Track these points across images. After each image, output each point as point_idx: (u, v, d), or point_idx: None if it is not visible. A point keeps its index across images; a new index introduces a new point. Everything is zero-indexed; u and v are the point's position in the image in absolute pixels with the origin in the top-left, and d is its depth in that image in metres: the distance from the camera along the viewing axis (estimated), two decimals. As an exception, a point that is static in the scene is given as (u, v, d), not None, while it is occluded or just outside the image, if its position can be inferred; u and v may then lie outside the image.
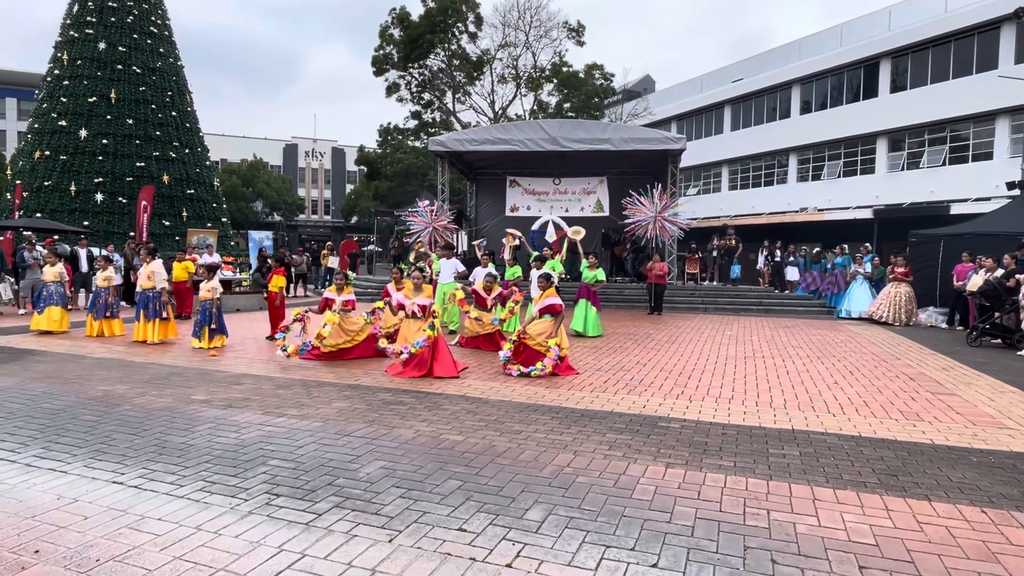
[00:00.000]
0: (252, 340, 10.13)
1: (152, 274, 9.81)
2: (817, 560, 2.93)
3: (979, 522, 3.40)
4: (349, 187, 59.67)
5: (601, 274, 11.62)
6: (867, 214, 25.54)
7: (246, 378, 7.03)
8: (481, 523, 3.27)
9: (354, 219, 55.10)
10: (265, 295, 10.67)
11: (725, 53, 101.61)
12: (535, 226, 19.64)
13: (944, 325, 13.67)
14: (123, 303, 15.51)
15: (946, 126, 24.66)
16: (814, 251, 19.74)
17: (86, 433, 4.79)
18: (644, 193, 16.30)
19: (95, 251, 15.68)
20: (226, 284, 15.72)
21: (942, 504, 3.64)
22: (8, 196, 21.03)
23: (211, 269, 10.00)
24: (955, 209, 22.00)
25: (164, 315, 9.77)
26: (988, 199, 21.48)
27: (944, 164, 24.70)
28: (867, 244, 18.62)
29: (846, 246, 18.16)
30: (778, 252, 19.56)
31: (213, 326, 9.18)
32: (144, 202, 18.40)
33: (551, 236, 18.71)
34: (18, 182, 19.70)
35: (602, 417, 5.51)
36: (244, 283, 17.74)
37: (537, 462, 4.26)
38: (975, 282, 11.90)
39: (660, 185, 16.84)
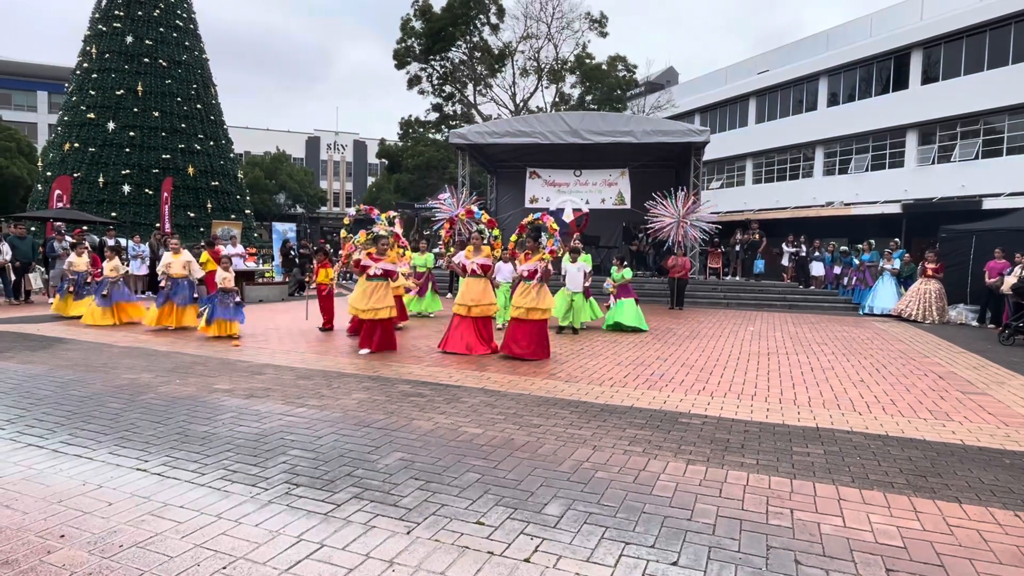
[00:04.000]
0: (274, 331, 10.23)
1: (188, 263, 10.30)
2: (842, 562, 2.87)
3: (1012, 526, 3.29)
4: (371, 180, 60.02)
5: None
6: (895, 209, 24.98)
7: (268, 368, 7.11)
8: (499, 517, 3.26)
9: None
10: (314, 287, 10.91)
11: (751, 48, 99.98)
12: (552, 207, 19.53)
13: (975, 323, 13.33)
14: (149, 292, 15.87)
15: (980, 118, 23.97)
16: (841, 248, 19.39)
17: (111, 420, 4.88)
18: (668, 195, 16.15)
19: (122, 241, 15.98)
20: (249, 275, 15.95)
21: (973, 507, 3.53)
22: (40, 188, 21.49)
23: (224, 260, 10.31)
24: (988, 204, 21.39)
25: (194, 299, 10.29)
26: (1023, 194, 20.86)
27: (977, 157, 24.03)
28: (896, 239, 18.18)
29: (873, 241, 17.79)
30: (803, 247, 19.23)
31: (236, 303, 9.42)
32: (165, 193, 18.67)
33: (568, 217, 18.59)
34: (60, 175, 19.96)
35: (622, 412, 5.46)
36: (267, 274, 17.97)
37: (556, 456, 4.23)
38: (1007, 281, 11.57)
39: (684, 188, 16.68)
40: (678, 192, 16.21)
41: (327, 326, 10.39)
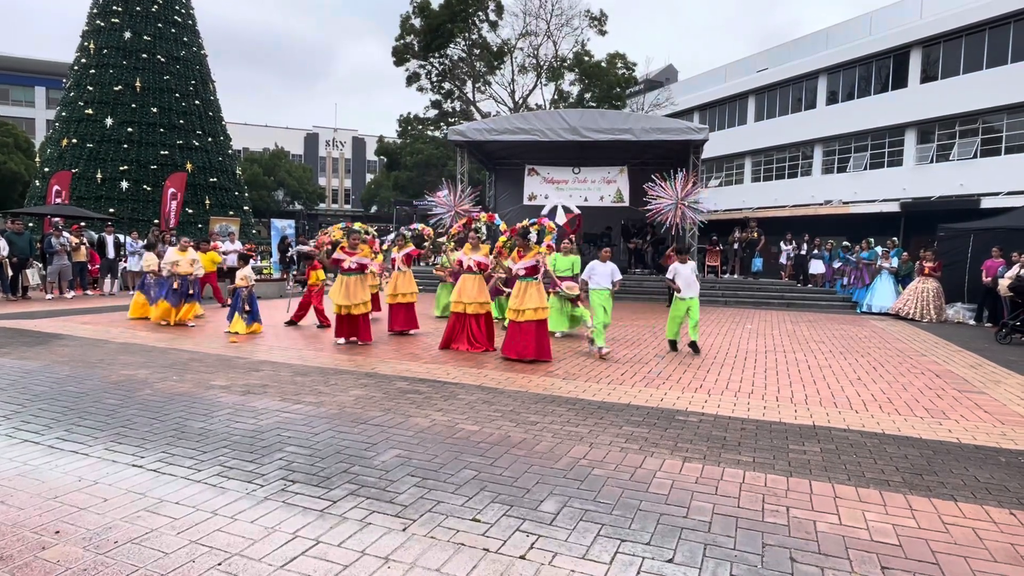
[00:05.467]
0: (271, 327, 10.22)
1: (194, 261, 10.38)
2: (837, 559, 2.87)
3: (1007, 524, 3.30)
4: (369, 176, 59.96)
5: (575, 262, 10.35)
6: (894, 207, 24.99)
7: (265, 365, 7.10)
8: (495, 514, 3.26)
9: (374, 208, 55.39)
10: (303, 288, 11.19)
11: (750, 47, 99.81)
12: (544, 211, 19.48)
13: (972, 321, 13.35)
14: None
15: (978, 117, 23.98)
16: (843, 243, 19.40)
17: (108, 416, 4.87)
18: (667, 178, 16.16)
19: (121, 238, 15.95)
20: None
21: (968, 505, 3.54)
22: (37, 183, 21.44)
23: (244, 258, 10.31)
24: (986, 203, 21.40)
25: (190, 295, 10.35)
26: (1021, 193, 20.89)
27: (975, 156, 24.04)
28: (894, 238, 18.20)
29: (872, 239, 17.80)
30: (804, 246, 19.24)
31: (248, 310, 9.44)
32: (172, 188, 18.53)
33: (561, 219, 18.54)
34: (59, 171, 19.84)
35: (619, 409, 5.46)
36: (265, 271, 17.94)
37: (552, 453, 4.23)
38: (1002, 284, 11.58)
39: (684, 170, 16.68)
40: (677, 174, 16.20)
41: (320, 321, 10.64)
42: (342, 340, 8.68)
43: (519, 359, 7.63)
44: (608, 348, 8.20)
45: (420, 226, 11.26)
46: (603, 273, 8.52)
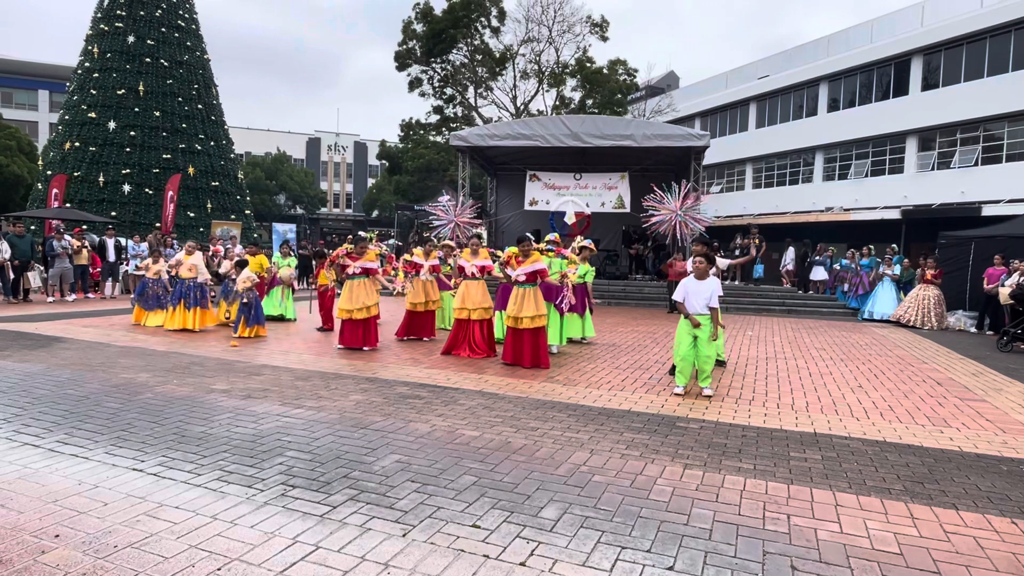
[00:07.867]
0: (272, 331, 10.22)
1: (194, 267, 10.21)
2: (839, 568, 2.86)
3: (1009, 533, 3.29)
4: (371, 181, 60.07)
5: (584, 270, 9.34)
6: (895, 215, 25.01)
7: (265, 369, 7.10)
8: (495, 520, 3.25)
9: (375, 213, 55.50)
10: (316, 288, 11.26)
11: (753, 56, 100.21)
12: (553, 208, 19.51)
13: (973, 329, 13.33)
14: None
15: (979, 125, 24.02)
16: (848, 251, 19.41)
17: (108, 420, 4.87)
18: (667, 189, 16.15)
19: (122, 241, 15.98)
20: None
21: (970, 514, 3.53)
22: (40, 186, 21.49)
23: (241, 264, 10.27)
24: (987, 211, 21.42)
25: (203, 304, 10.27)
26: (1022, 200, 20.90)
27: (976, 164, 24.06)
28: (893, 245, 18.20)
29: (872, 247, 17.80)
30: (807, 251, 19.23)
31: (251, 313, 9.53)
32: (171, 191, 18.59)
33: (570, 219, 18.44)
34: (58, 174, 19.85)
35: (620, 416, 5.46)
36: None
37: (553, 460, 4.22)
38: (1003, 292, 11.56)
39: (685, 181, 16.72)
40: (679, 186, 16.21)
41: (326, 326, 10.58)
42: (341, 346, 8.65)
43: (517, 364, 7.64)
44: (711, 391, 6.40)
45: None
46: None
